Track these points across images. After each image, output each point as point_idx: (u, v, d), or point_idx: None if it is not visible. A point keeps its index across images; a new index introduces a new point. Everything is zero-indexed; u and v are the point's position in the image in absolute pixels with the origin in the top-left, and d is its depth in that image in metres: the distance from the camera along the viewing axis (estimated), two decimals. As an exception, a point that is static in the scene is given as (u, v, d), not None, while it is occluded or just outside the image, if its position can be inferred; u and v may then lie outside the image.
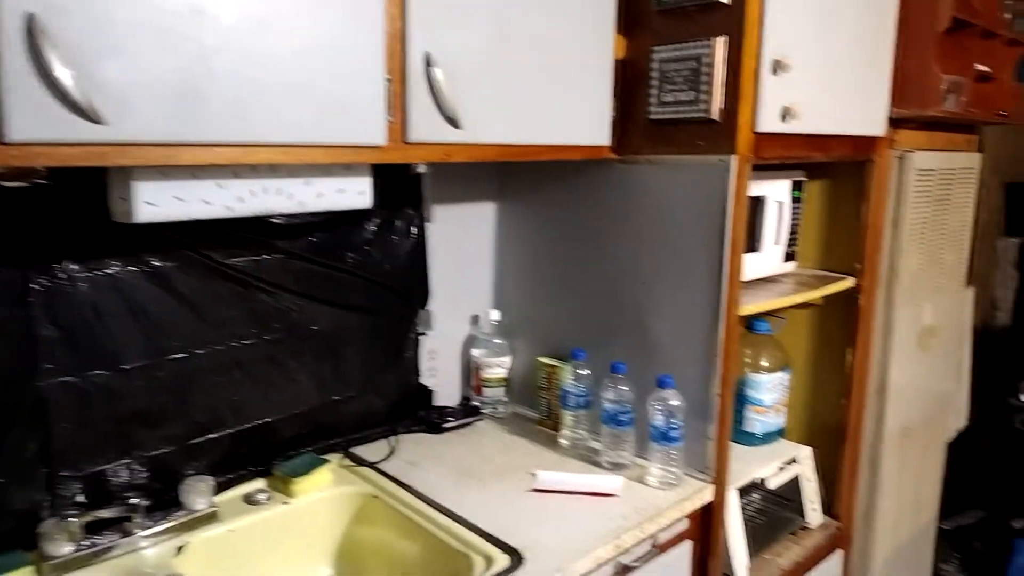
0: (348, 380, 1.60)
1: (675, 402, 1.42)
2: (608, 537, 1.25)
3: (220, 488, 1.38)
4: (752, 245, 1.72)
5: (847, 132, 1.61)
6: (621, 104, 1.48)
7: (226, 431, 1.42)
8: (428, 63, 1.14)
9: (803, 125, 1.45)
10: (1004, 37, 1.91)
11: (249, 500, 1.38)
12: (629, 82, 1.47)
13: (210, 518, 1.30)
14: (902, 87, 1.70)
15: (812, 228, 1.90)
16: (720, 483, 1.47)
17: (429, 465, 1.53)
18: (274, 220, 1.42)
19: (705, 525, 1.48)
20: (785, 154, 1.48)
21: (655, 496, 1.40)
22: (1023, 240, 4.67)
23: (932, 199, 1.93)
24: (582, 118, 1.43)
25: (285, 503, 1.38)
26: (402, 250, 1.64)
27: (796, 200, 1.79)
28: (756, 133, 1.37)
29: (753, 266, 1.72)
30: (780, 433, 1.90)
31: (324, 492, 1.43)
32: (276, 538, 1.37)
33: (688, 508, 1.40)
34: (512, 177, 1.80)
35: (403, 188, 1.62)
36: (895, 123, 1.77)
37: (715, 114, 1.34)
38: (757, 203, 1.70)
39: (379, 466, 1.51)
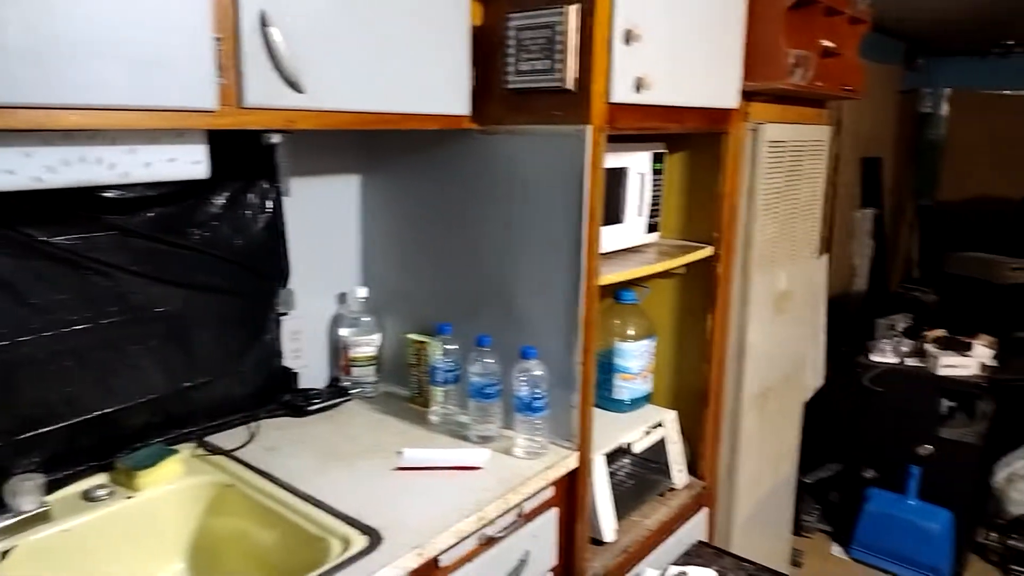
0: (201, 365, 1.51)
1: (538, 372, 1.42)
2: (470, 510, 1.25)
3: (55, 486, 1.27)
4: (615, 216, 1.75)
5: (701, 104, 1.66)
6: (479, 73, 1.45)
7: (60, 424, 1.31)
8: (264, 22, 1.07)
9: (657, 96, 1.48)
10: (847, 15, 2.02)
11: (88, 497, 1.28)
12: (487, 50, 1.45)
13: (40, 519, 1.19)
14: (752, 60, 1.76)
15: (673, 199, 1.96)
16: (584, 450, 1.49)
17: (290, 450, 1.47)
18: (106, 194, 1.31)
19: (571, 492, 1.50)
20: (640, 125, 1.50)
21: (520, 466, 1.40)
22: (878, 211, 5.05)
23: (784, 170, 2.02)
24: (439, 86, 1.39)
25: (129, 498, 1.29)
26: (256, 226, 1.56)
27: (657, 172, 1.83)
28: (610, 103, 1.38)
29: (616, 237, 1.75)
30: (647, 398, 1.95)
31: (173, 484, 1.35)
32: (120, 535, 1.28)
33: (553, 476, 1.42)
34: (375, 148, 1.75)
35: (254, 159, 1.53)
36: (748, 96, 1.84)
37: (570, 83, 1.34)
38: (618, 175, 1.73)
39: (236, 454, 1.44)
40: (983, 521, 2.87)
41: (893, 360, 2.76)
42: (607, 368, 1.91)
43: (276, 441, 1.51)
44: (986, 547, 2.76)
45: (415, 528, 1.19)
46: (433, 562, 1.19)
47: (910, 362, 2.75)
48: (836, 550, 2.85)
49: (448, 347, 1.57)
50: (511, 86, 1.43)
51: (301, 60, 1.12)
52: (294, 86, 1.12)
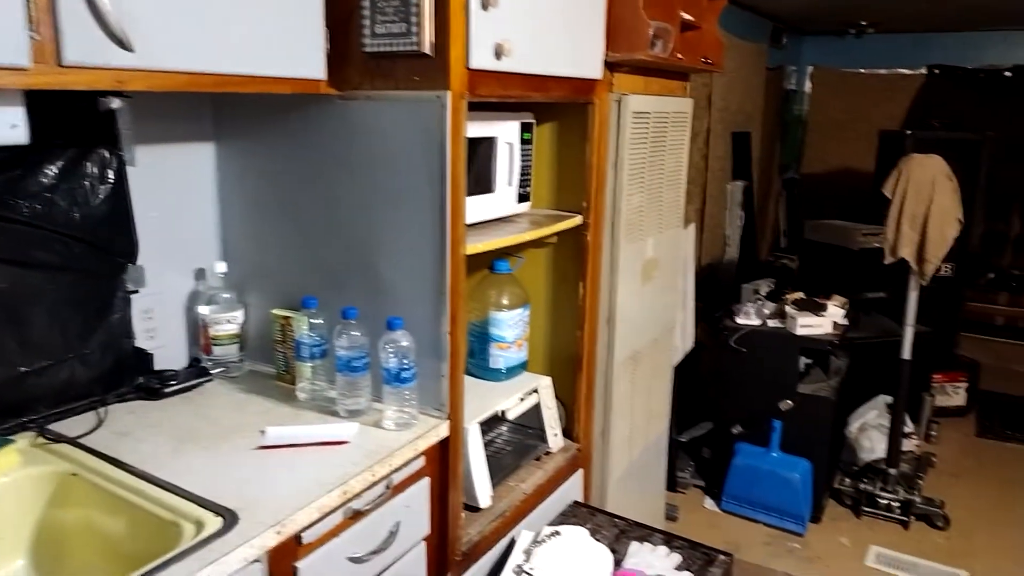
0: (39, 349, 1.40)
1: (405, 343, 1.41)
2: (334, 484, 1.22)
3: None
4: (485, 186, 1.75)
5: (564, 73, 1.67)
6: (335, 34, 1.40)
7: None
8: (82, -28, 0.99)
9: (518, 64, 1.47)
10: (706, -10, 2.09)
11: (-95, 498, 1.16)
12: (341, 11, 1.39)
13: None
14: (614, 31, 1.79)
15: (544, 169, 1.98)
16: (455, 419, 1.50)
17: (143, 434, 1.39)
18: (-89, 162, 1.18)
19: (443, 461, 1.50)
20: (503, 92, 1.49)
21: (389, 438, 1.39)
22: (747, 183, 5.31)
23: (649, 141, 2.08)
24: (291, 48, 1.33)
25: (-45, 495, 1.19)
26: (96, 198, 1.45)
27: (526, 142, 1.84)
28: (470, 69, 1.36)
29: (486, 207, 1.75)
30: (523, 366, 1.98)
31: (8, 476, 1.25)
32: (-55, 537, 1.17)
33: (423, 446, 1.41)
34: (231, 115, 1.66)
35: (91, 125, 1.41)
36: (611, 67, 1.87)
37: (427, 48, 1.32)
38: (486, 144, 1.72)
39: (81, 441, 1.34)
40: (839, 468, 3.11)
41: (756, 322, 2.93)
42: (483, 338, 1.92)
43: (128, 426, 1.42)
44: (841, 492, 2.99)
45: (275, 506, 1.15)
46: (295, 539, 1.16)
47: (772, 323, 2.92)
48: (708, 503, 3.02)
49: (314, 321, 1.53)
50: (368, 49, 1.39)
51: (129, 16, 1.04)
52: (122, 44, 1.04)
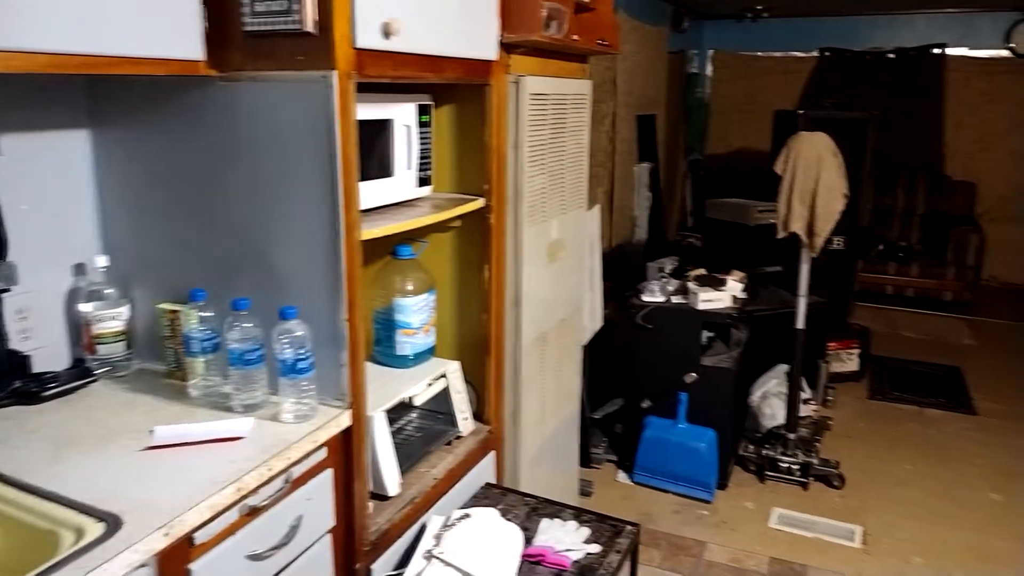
0: None
1: (300, 333, 1.37)
2: (227, 482, 1.18)
3: None
4: (383, 170, 1.72)
5: (458, 54, 1.65)
6: (213, 13, 1.34)
7: None
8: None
9: (408, 43, 1.45)
10: (599, -28, 2.11)
11: None
12: (219, -11, 1.33)
13: None
14: (508, 12, 1.79)
15: (445, 153, 1.96)
16: (357, 408, 1.47)
17: (20, 441, 1.31)
18: None
19: (346, 451, 1.47)
20: (394, 73, 1.47)
21: (287, 431, 1.35)
22: (654, 165, 5.43)
23: (549, 123, 2.09)
24: (165, 27, 1.26)
25: None
26: (-47, 190, 1.34)
27: (424, 124, 1.81)
28: (357, 49, 1.33)
29: (385, 191, 1.73)
30: (431, 352, 1.96)
31: None
32: None
33: (323, 437, 1.38)
34: (106, 99, 1.56)
35: (-57, 112, 1.31)
36: (508, 48, 1.87)
37: (309, 26, 1.27)
38: (382, 127, 1.69)
39: (-53, 452, 1.25)
40: (743, 436, 3.24)
41: (661, 299, 3.01)
42: (388, 325, 1.89)
43: (3, 433, 1.33)
44: (745, 458, 3.12)
45: (163, 508, 1.10)
46: (186, 541, 1.12)
47: (676, 300, 3.01)
48: (621, 476, 3.09)
49: (203, 314, 1.46)
50: (249, 28, 1.33)
51: (-28, -11, 0.96)
52: (-35, 20, 0.96)
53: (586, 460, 3.15)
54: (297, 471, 1.34)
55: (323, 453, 1.41)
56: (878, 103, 5.21)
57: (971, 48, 5.92)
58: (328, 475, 1.43)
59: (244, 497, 1.22)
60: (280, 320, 1.37)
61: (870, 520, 2.78)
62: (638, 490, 3.00)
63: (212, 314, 1.47)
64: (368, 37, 1.34)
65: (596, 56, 3.76)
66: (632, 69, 4.84)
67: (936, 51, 5.99)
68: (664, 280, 3.12)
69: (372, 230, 1.51)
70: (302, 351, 1.37)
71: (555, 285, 2.28)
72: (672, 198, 6.31)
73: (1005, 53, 5.82)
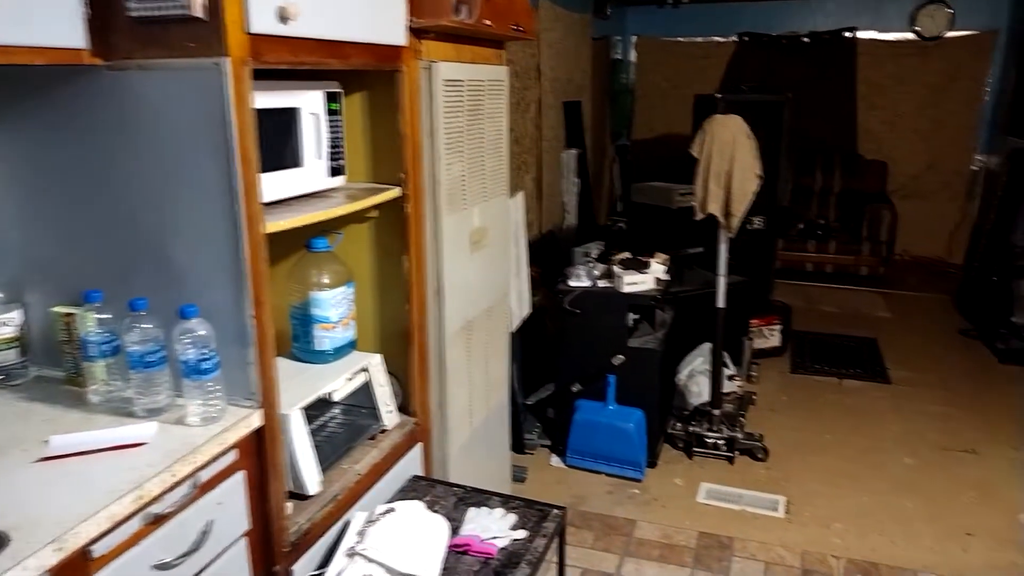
0: None
1: (203, 331, 1.32)
2: (126, 491, 1.13)
3: None
4: (291, 160, 1.66)
5: (364, 39, 1.61)
6: (93, -2, 1.27)
7: None
8: None
9: (308, 28, 1.40)
10: (510, -44, 2.08)
11: None
12: (99, -28, 1.26)
13: None
14: (416, -3, 1.75)
15: (358, 141, 1.92)
16: (270, 407, 1.43)
17: None
18: None
19: (259, 452, 1.43)
20: (294, 59, 1.42)
21: (193, 435, 1.30)
22: (581, 151, 5.46)
23: (465, 110, 2.06)
24: (40, 13, 1.19)
25: None
26: None
27: (334, 112, 1.77)
28: (252, 34, 1.28)
29: (294, 182, 1.67)
30: (352, 346, 1.93)
31: None
32: None
33: (232, 439, 1.33)
34: (-17, 92, 1.46)
35: None
36: (419, 34, 1.83)
37: (198, 10, 1.21)
38: (288, 115, 1.64)
39: None
40: (671, 414, 3.31)
41: (587, 283, 3.03)
42: (305, 320, 1.85)
43: None
44: (674, 436, 3.19)
45: (56, 521, 1.05)
46: (82, 554, 1.06)
47: (602, 284, 3.04)
48: (555, 460, 3.12)
49: (100, 316, 1.40)
50: (134, 13, 1.26)
51: None
52: None
53: (519, 446, 3.16)
54: (205, 475, 1.29)
55: (234, 455, 1.36)
56: (795, 86, 5.36)
57: (880, 31, 6.15)
58: (240, 477, 1.38)
59: (146, 505, 1.17)
60: (180, 319, 1.31)
61: (793, 490, 2.88)
62: (571, 473, 3.03)
63: (110, 316, 1.40)
64: (263, 22, 1.29)
65: (519, 43, 3.75)
66: (557, 56, 4.85)
67: (847, 34, 6.20)
68: (590, 265, 3.15)
69: (278, 223, 1.46)
70: (205, 351, 1.32)
71: (479, 273, 2.27)
72: (601, 183, 6.37)
73: (911, 36, 6.07)
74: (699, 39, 6.70)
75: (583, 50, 5.51)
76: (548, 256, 4.24)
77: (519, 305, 3.02)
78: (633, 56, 6.97)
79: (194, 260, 1.37)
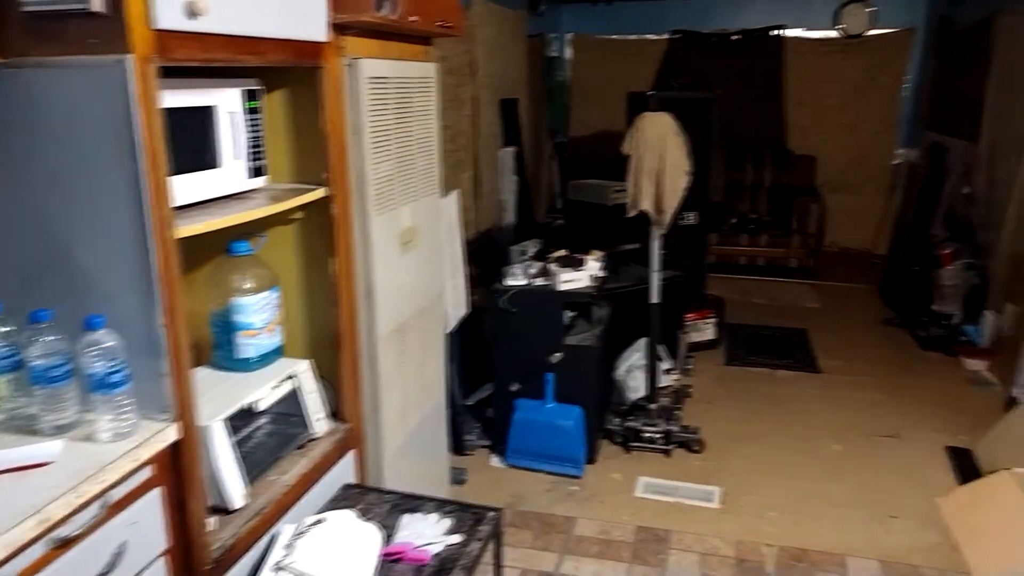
0: None
1: (111, 343, 1.26)
2: (26, 514, 1.06)
3: None
4: (208, 161, 1.60)
5: (281, 35, 1.56)
6: (-19, -9, 1.19)
7: None
8: None
9: (219, 24, 1.34)
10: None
11: None
12: (-14, -38, 1.18)
13: None
14: (337, -8, 1.71)
15: (281, 141, 1.86)
16: (187, 419, 1.37)
17: None
18: None
19: (177, 467, 1.37)
20: (205, 56, 1.36)
21: (102, 452, 1.24)
22: (518, 149, 5.46)
23: (392, 108, 2.02)
24: (-82, 6, 1.10)
25: None
26: None
27: (253, 111, 1.71)
28: (158, 30, 1.22)
29: (211, 184, 1.61)
30: (279, 352, 1.87)
31: None
32: None
33: (146, 455, 1.27)
34: None
35: None
36: (341, 30, 1.79)
37: (98, 5, 1.15)
38: (204, 115, 1.58)
39: None
40: (610, 410, 3.33)
41: (523, 282, 3.02)
42: (227, 327, 1.78)
43: None
44: (612, 431, 3.21)
45: (-54, 553, 0.98)
46: (-23, 586, 1.00)
47: (538, 282, 3.03)
48: (495, 461, 3.10)
49: (1, 329, 1.31)
50: (28, 8, 1.19)
51: None
52: None
53: (459, 447, 3.14)
54: (117, 494, 1.23)
55: (148, 471, 1.30)
56: (726, 83, 5.48)
57: (806, 29, 6.33)
58: (156, 494, 1.32)
59: (51, 529, 1.10)
60: (86, 331, 1.24)
61: (728, 480, 2.93)
62: (511, 472, 3.02)
63: (11, 328, 1.32)
64: (170, 17, 1.23)
65: (453, 40, 3.71)
66: (491, 53, 4.83)
67: (775, 32, 6.36)
68: (527, 263, 3.14)
69: (193, 227, 1.40)
70: (114, 363, 1.26)
71: (411, 274, 2.23)
72: (540, 181, 6.38)
73: (835, 34, 6.27)
74: (633, 36, 6.77)
75: (518, 47, 5.50)
76: (487, 255, 4.22)
77: (455, 305, 2.99)
78: (569, 53, 7.00)
79: (101, 268, 1.30)
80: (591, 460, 3.06)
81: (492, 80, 4.89)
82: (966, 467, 2.97)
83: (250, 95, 1.69)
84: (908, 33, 6.11)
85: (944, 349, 4.24)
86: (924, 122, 5.82)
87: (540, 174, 6.39)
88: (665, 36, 6.65)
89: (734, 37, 6.46)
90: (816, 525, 2.64)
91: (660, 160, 2.70)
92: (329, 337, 1.93)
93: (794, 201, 6.04)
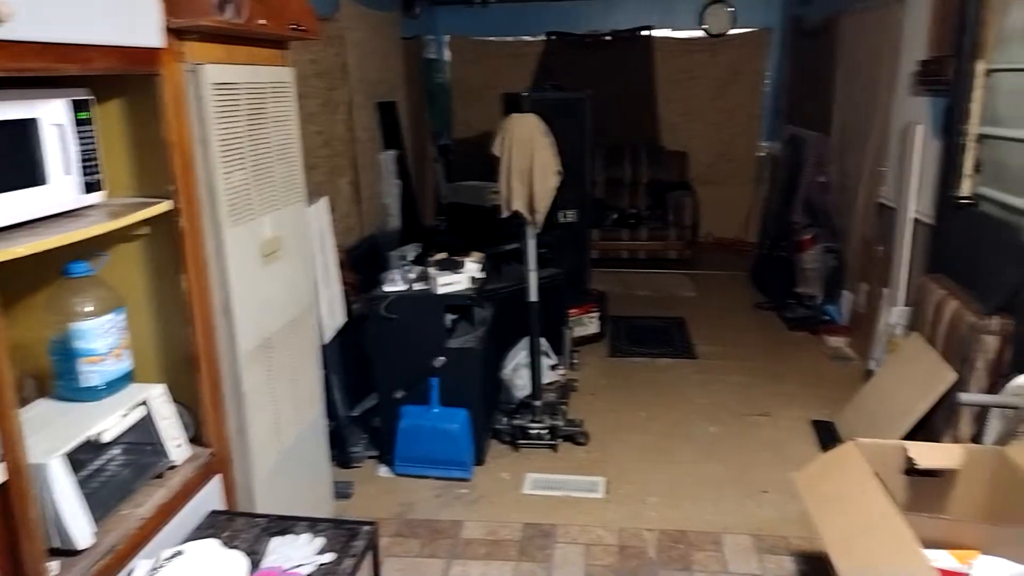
0: None
1: (-87, 383, 1.14)
2: None
3: None
4: (31, 178, 1.48)
5: (107, 41, 1.46)
6: None
7: None
8: None
9: (30, 30, 1.24)
10: (282, -47, 1.99)
11: None
12: None
13: None
14: (172, -5, 1.62)
15: (121, 152, 1.75)
16: (14, 458, 1.25)
17: None
18: None
19: (7, 511, 1.26)
20: (16, 66, 1.25)
21: (-91, 504, 1.12)
22: (400, 152, 5.39)
23: (244, 115, 1.94)
24: None
25: None
26: None
27: (83, 122, 1.59)
28: (-51, 38, 1.11)
29: (36, 202, 1.49)
30: (129, 378, 1.76)
31: None
32: None
33: (-37, 502, 1.16)
34: None
35: None
36: (180, 34, 1.70)
37: None
38: (25, 128, 1.45)
39: None
40: (498, 410, 3.35)
41: (403, 288, 2.99)
42: (68, 355, 1.66)
43: None
44: (500, 431, 3.23)
45: None
46: None
47: (417, 287, 3.00)
48: (383, 471, 3.05)
49: None
50: None
51: None
52: None
53: (345, 461, 3.07)
54: (-72, 549, 1.12)
55: (-31, 521, 1.19)
56: (601, 82, 5.62)
57: (673, 29, 6.59)
58: (-20, 544, 1.21)
59: None
60: None
61: (611, 470, 3.01)
62: (400, 481, 2.98)
63: None
64: (-37, 23, 1.13)
65: (321, 42, 3.62)
66: (364, 55, 4.74)
67: (644, 33, 6.59)
68: (406, 268, 3.10)
69: (13, 249, 1.29)
70: (-80, 405, 1.14)
71: (276, 286, 2.15)
72: (425, 184, 6.33)
73: (700, 33, 6.57)
74: (510, 38, 6.85)
75: (393, 49, 5.43)
76: (370, 261, 4.15)
77: (331, 315, 2.92)
78: (447, 55, 6.99)
79: (-102, 300, 1.17)
80: (479, 461, 3.06)
81: (366, 83, 4.80)
82: (828, 439, 3.18)
83: (79, 105, 1.58)
84: (765, 32, 6.48)
85: (809, 329, 4.53)
86: (784, 116, 6.19)
87: (425, 177, 6.35)
88: (541, 37, 6.76)
89: (606, 37, 6.65)
90: (694, 506, 2.75)
91: (529, 160, 2.73)
92: (185, 358, 1.83)
93: (669, 195, 6.28)
